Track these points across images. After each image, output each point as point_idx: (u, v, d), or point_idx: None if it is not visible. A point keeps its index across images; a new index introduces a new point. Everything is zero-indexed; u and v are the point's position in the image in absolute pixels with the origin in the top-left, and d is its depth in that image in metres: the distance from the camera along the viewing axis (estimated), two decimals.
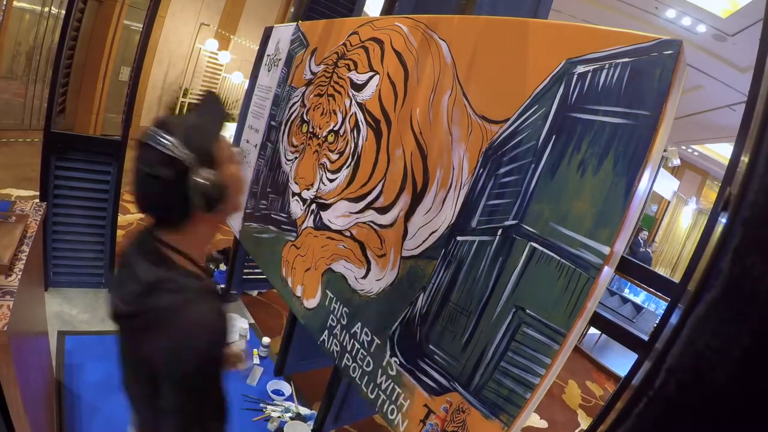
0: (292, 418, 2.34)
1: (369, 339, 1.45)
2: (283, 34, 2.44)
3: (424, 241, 1.31)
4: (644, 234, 6.67)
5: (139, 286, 0.76)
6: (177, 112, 7.81)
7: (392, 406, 1.33)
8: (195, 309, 0.74)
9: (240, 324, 2.90)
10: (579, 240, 0.94)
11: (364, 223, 1.54)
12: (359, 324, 1.50)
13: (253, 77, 2.77)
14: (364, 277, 1.51)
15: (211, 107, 0.93)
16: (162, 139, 0.73)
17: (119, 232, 3.25)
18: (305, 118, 2.01)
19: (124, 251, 0.87)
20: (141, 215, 4.38)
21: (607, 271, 0.93)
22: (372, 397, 1.41)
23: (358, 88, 1.67)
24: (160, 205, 0.79)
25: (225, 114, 0.92)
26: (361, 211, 1.56)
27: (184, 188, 0.74)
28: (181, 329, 0.72)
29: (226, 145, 0.83)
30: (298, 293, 1.85)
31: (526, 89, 1.08)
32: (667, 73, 0.84)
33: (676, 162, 4.84)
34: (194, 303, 0.75)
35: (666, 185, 6.47)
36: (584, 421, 3.49)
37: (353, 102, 1.68)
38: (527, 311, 1.01)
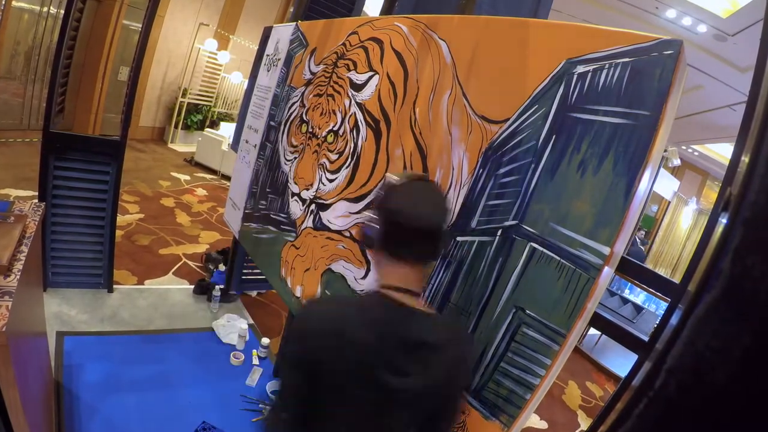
0: None
1: None
2: (283, 33, 2.43)
3: None
4: (641, 233, 6.69)
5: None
6: (176, 111, 7.80)
7: None
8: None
9: (239, 324, 2.90)
10: (579, 240, 0.94)
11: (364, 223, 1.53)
12: None
13: (253, 77, 2.76)
14: (364, 277, 1.51)
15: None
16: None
17: (118, 232, 3.24)
18: (305, 118, 2.01)
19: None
20: (140, 216, 4.36)
21: (607, 272, 0.93)
22: None
23: (358, 88, 1.66)
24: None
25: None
26: (361, 211, 1.55)
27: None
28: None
29: None
30: (298, 294, 1.85)
31: (525, 89, 1.07)
32: (668, 73, 0.84)
33: (677, 162, 4.84)
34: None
35: (666, 185, 6.47)
36: (584, 422, 3.49)
37: (353, 102, 1.68)
38: (527, 312, 1.01)
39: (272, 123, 2.35)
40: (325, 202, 1.75)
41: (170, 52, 7.49)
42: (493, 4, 1.65)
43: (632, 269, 1.01)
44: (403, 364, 0.82)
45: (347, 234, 1.61)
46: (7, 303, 1.09)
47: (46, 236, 2.61)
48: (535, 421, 3.23)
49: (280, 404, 0.88)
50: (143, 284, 3.23)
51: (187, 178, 6.34)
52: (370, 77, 1.61)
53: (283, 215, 2.04)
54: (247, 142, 2.63)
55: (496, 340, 1.06)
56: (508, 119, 1.11)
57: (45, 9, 5.35)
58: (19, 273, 1.21)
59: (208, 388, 2.36)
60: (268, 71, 2.52)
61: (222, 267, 3.46)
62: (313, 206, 1.82)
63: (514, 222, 1.07)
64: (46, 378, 1.78)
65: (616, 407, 0.96)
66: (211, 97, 8.50)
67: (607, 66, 0.93)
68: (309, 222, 1.83)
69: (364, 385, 0.83)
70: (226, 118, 8.90)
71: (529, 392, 0.99)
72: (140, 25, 2.71)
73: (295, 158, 2.03)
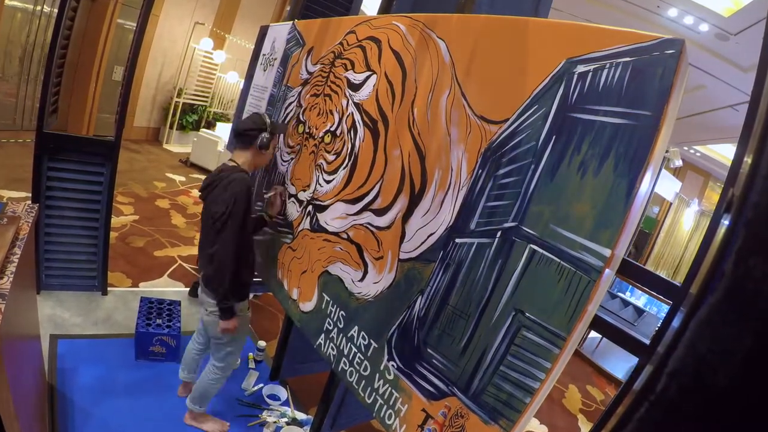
0: (288, 423, 2.31)
1: (366, 343, 1.43)
2: (279, 33, 2.41)
3: (422, 243, 1.29)
4: None
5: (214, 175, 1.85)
6: (171, 111, 7.76)
7: (390, 410, 1.31)
8: (235, 175, 1.78)
9: None
10: (579, 242, 0.93)
11: (361, 224, 1.52)
12: (356, 327, 1.48)
13: (249, 77, 2.74)
14: (361, 279, 1.49)
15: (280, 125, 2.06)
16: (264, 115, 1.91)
17: (112, 234, 3.22)
18: (301, 119, 1.99)
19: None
20: (135, 218, 4.34)
21: (608, 274, 0.92)
22: (369, 401, 1.39)
23: (355, 87, 1.65)
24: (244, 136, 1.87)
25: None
26: (359, 212, 1.54)
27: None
28: (233, 185, 1.74)
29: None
30: (295, 296, 1.83)
31: (525, 89, 1.06)
32: (669, 72, 0.83)
33: (678, 163, 4.84)
34: (234, 173, 1.80)
35: (668, 186, 6.48)
36: (585, 426, 3.49)
37: (350, 102, 1.66)
38: (527, 314, 1.00)
39: None
40: (322, 203, 1.73)
41: (165, 51, 7.44)
42: (493, 3, 1.64)
43: (633, 271, 1.00)
44: (207, 178, 1.87)
45: (345, 236, 1.59)
46: (0, 306, 1.07)
47: (39, 238, 2.59)
48: (535, 425, 3.23)
49: None
50: (138, 286, 3.20)
51: (183, 179, 6.30)
52: (368, 77, 1.60)
53: (279, 217, 2.02)
54: None
55: (496, 343, 1.05)
56: (508, 119, 1.10)
57: (38, 8, 5.30)
58: (12, 275, 1.20)
59: None
60: (265, 71, 2.50)
61: None
62: (310, 207, 1.80)
63: (513, 223, 1.05)
64: (40, 381, 1.76)
65: (617, 411, 0.95)
66: (207, 97, 8.46)
67: (607, 66, 0.92)
68: (306, 223, 1.82)
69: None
70: (222, 118, 8.86)
71: (528, 396, 0.98)
72: (135, 24, 2.69)
73: (292, 159, 2.01)
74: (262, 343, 2.79)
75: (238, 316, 1.87)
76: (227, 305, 1.80)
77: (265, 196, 2.10)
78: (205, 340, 2.17)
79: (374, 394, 1.38)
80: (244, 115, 2.68)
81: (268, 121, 1.88)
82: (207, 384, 2.03)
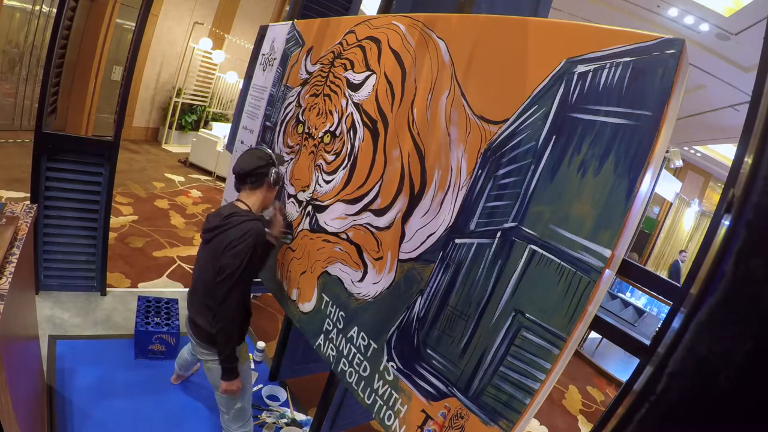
0: (287, 424, 2.31)
1: (366, 343, 1.43)
2: (279, 33, 2.41)
3: (421, 244, 1.29)
4: (683, 255, 7.07)
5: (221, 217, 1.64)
6: (170, 111, 7.75)
7: (389, 411, 1.31)
8: (252, 223, 1.59)
9: None
10: (580, 243, 0.92)
11: (361, 225, 1.52)
12: (356, 328, 1.48)
13: (248, 77, 2.74)
14: (361, 280, 1.49)
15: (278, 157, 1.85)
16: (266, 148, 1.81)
17: (111, 235, 3.21)
18: (301, 119, 1.99)
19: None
20: (134, 218, 4.34)
21: (609, 275, 0.92)
22: (369, 402, 1.39)
23: (355, 87, 1.65)
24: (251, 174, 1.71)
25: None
26: (358, 213, 1.53)
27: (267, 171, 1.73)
28: (244, 229, 1.57)
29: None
30: (294, 297, 1.83)
31: (525, 89, 1.06)
32: (669, 72, 0.83)
33: (679, 163, 4.84)
34: (251, 221, 1.60)
35: (668, 187, 6.49)
36: (585, 427, 3.48)
37: (350, 102, 1.66)
38: (527, 315, 1.00)
39: (268, 123, 2.32)
40: (321, 203, 1.73)
41: (164, 51, 7.43)
42: (492, 3, 1.63)
43: (634, 272, 1.00)
44: (209, 220, 1.70)
45: (344, 236, 1.59)
46: None
47: (38, 238, 2.58)
48: (535, 426, 3.22)
49: None
50: (137, 287, 3.20)
51: (182, 179, 6.30)
52: (368, 77, 1.59)
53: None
54: (242, 142, 2.60)
55: (496, 343, 1.05)
56: (508, 119, 1.10)
57: (37, 8, 5.30)
58: (11, 276, 1.20)
59: (201, 392, 2.33)
60: (264, 71, 2.50)
61: None
62: (309, 208, 1.80)
63: (513, 224, 1.05)
64: (38, 382, 1.75)
65: (617, 412, 0.95)
66: (206, 97, 8.45)
67: (608, 65, 0.92)
68: (305, 224, 1.81)
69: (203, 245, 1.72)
70: (221, 118, 8.86)
71: (528, 397, 0.98)
72: (134, 24, 2.68)
73: (291, 159, 2.01)
74: (261, 344, 2.78)
75: (241, 369, 1.68)
76: (232, 366, 1.61)
77: (267, 217, 1.94)
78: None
79: (374, 394, 1.37)
80: (242, 115, 2.67)
81: (271, 152, 1.76)
82: None
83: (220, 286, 1.55)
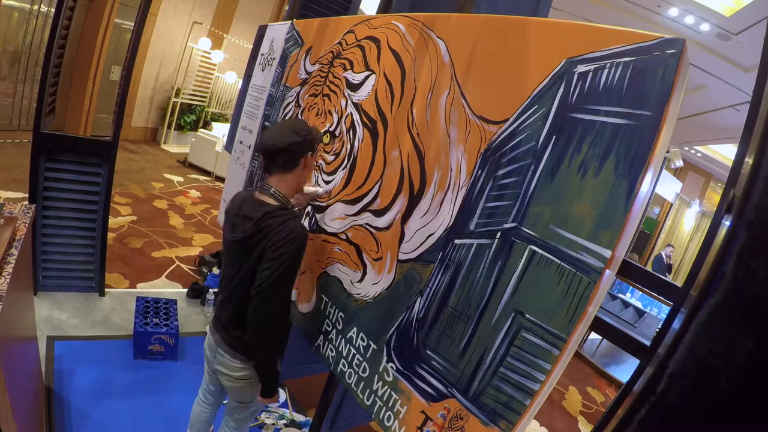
0: (286, 425, 2.31)
1: (365, 344, 1.43)
2: (278, 32, 2.40)
3: (421, 244, 1.29)
4: (669, 249, 7.00)
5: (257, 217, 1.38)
6: (169, 111, 7.74)
7: (389, 412, 1.31)
8: (293, 223, 1.35)
9: None
10: (580, 243, 0.92)
11: (360, 225, 1.51)
12: (355, 329, 1.48)
13: (247, 77, 2.73)
14: (360, 280, 1.49)
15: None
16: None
17: (110, 235, 3.21)
18: (300, 119, 1.98)
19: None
20: (132, 218, 4.33)
21: (609, 275, 0.92)
22: (368, 403, 1.38)
23: (354, 87, 1.64)
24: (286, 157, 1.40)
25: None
26: (357, 213, 1.53)
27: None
28: (287, 230, 1.32)
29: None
30: (293, 297, 1.82)
31: (525, 89, 1.06)
32: (670, 72, 0.83)
33: (679, 163, 4.84)
34: (292, 221, 1.35)
35: (668, 187, 6.48)
36: (585, 428, 3.48)
37: (349, 102, 1.66)
38: (527, 316, 0.99)
39: (267, 123, 2.32)
40: (321, 204, 1.72)
41: (163, 51, 7.42)
42: (492, 2, 1.63)
43: (634, 273, 1.00)
44: (237, 225, 1.41)
45: (343, 237, 1.58)
46: None
47: (36, 239, 2.57)
48: (535, 427, 3.22)
49: None
50: (135, 288, 3.19)
51: (181, 179, 6.29)
52: (367, 77, 1.59)
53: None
54: (241, 143, 2.60)
55: (496, 344, 1.05)
56: (508, 120, 1.09)
57: (35, 7, 5.29)
58: (9, 276, 1.20)
59: None
60: (263, 71, 2.49)
61: (216, 270, 3.42)
62: (308, 208, 1.80)
63: (513, 224, 1.05)
64: (37, 383, 1.75)
65: (617, 413, 0.94)
66: (205, 97, 8.44)
67: (608, 65, 0.92)
68: (304, 224, 1.81)
69: (227, 237, 1.47)
70: (220, 118, 8.85)
71: (528, 398, 0.97)
72: (132, 24, 2.67)
73: None
74: None
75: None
76: (274, 378, 1.45)
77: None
78: (215, 396, 1.78)
79: (373, 395, 1.37)
80: (241, 115, 2.67)
81: (310, 129, 1.44)
82: None
83: (262, 293, 1.32)
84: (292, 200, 1.48)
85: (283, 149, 1.36)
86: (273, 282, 1.31)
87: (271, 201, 1.40)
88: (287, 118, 2.11)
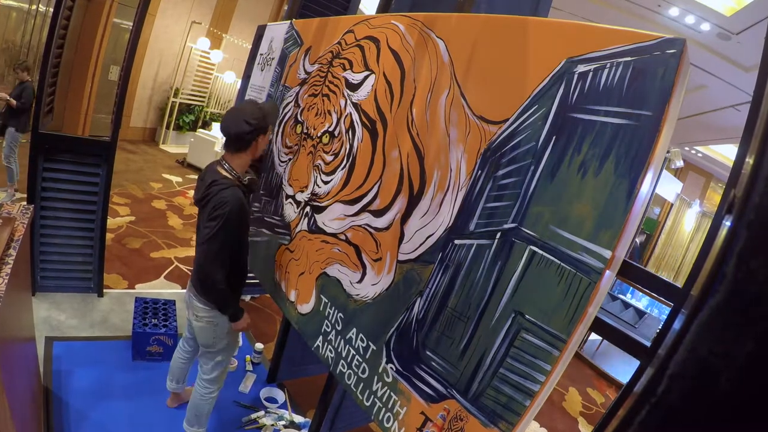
0: (285, 426, 2.30)
1: (364, 345, 1.42)
2: (277, 32, 2.40)
3: (420, 245, 1.28)
4: (642, 237, 6.87)
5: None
6: (167, 112, 7.73)
7: (388, 413, 1.30)
8: (228, 191, 1.63)
9: None
10: (580, 243, 0.92)
11: (360, 226, 1.51)
12: (354, 330, 1.47)
13: (246, 77, 2.73)
14: (360, 281, 1.48)
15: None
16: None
17: (108, 235, 3.19)
18: (299, 119, 1.98)
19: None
20: (131, 219, 4.32)
21: (609, 276, 0.91)
22: (367, 404, 1.38)
23: (354, 87, 1.64)
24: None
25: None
26: (357, 213, 1.53)
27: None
28: (220, 198, 1.63)
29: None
30: (292, 298, 1.82)
31: (525, 89, 1.06)
32: (670, 72, 0.82)
33: (679, 163, 4.84)
34: (227, 190, 1.64)
35: (669, 187, 6.48)
36: (585, 429, 3.48)
37: (348, 102, 1.65)
38: (527, 316, 0.99)
39: None
40: (320, 204, 1.72)
41: (162, 51, 7.41)
42: (492, 2, 1.63)
43: (634, 273, 1.00)
44: (198, 188, 1.75)
45: (343, 237, 1.58)
46: None
47: (34, 239, 2.57)
48: (535, 428, 3.22)
49: None
50: (134, 288, 3.18)
51: (179, 179, 6.28)
52: (366, 77, 1.58)
53: (277, 218, 2.01)
54: None
55: (495, 345, 1.04)
56: (507, 120, 1.09)
57: (33, 7, 5.27)
58: (7, 277, 1.20)
59: None
60: (262, 71, 2.49)
61: None
62: (307, 209, 1.79)
63: (513, 225, 1.05)
64: (35, 384, 1.74)
65: (617, 414, 0.94)
66: (204, 97, 8.43)
67: (608, 65, 0.91)
68: (304, 225, 1.81)
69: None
70: (219, 118, 8.84)
71: (528, 399, 0.97)
72: (131, 24, 2.67)
73: (290, 160, 2.00)
74: (259, 346, 2.77)
75: (230, 323, 1.83)
76: (231, 311, 1.77)
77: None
78: (192, 347, 2.09)
79: (373, 396, 1.37)
80: None
81: (262, 114, 1.71)
82: (199, 402, 1.94)
83: (202, 246, 1.66)
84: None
85: (235, 136, 1.67)
86: (210, 238, 1.62)
87: (223, 173, 1.70)
88: (285, 118, 2.11)
